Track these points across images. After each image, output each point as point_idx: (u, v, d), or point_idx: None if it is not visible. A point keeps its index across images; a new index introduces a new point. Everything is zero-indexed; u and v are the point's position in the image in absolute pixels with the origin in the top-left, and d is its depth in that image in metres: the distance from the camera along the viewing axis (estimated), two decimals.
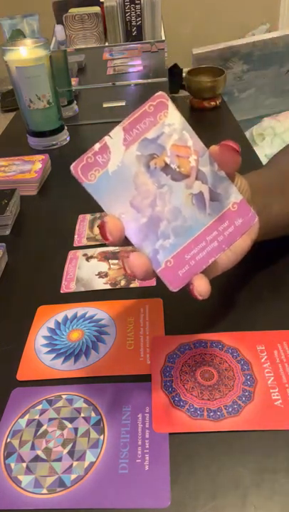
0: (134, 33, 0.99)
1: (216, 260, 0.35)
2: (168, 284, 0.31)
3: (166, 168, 0.30)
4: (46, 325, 0.47)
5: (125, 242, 0.31)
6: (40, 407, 0.38)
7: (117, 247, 0.57)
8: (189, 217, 0.31)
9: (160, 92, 0.30)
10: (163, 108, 0.30)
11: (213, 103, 0.98)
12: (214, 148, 0.32)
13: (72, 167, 0.30)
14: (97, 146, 0.30)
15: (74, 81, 1.08)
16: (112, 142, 0.30)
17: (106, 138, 0.30)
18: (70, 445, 0.35)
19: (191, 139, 0.31)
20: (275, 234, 0.48)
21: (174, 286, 0.31)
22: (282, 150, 0.55)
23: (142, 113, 0.30)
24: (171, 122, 0.30)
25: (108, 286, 0.51)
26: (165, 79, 0.97)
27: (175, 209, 0.31)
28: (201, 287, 0.32)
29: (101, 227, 0.30)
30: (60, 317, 0.48)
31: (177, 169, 0.31)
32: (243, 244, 0.39)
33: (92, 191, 0.30)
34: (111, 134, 0.30)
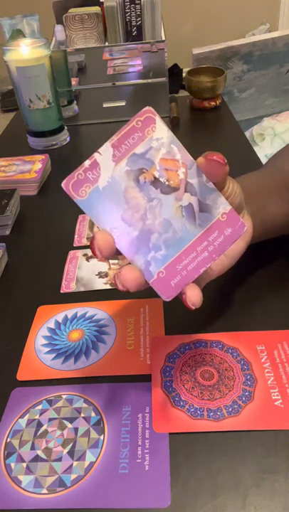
0: (134, 33, 0.99)
1: (211, 266, 0.35)
2: (160, 294, 0.32)
3: (155, 181, 0.31)
4: (46, 325, 0.47)
5: (116, 254, 0.32)
6: (40, 407, 0.39)
7: None
8: (180, 228, 0.32)
9: (147, 107, 0.31)
10: (151, 123, 0.31)
11: (213, 103, 0.98)
12: (201, 160, 0.32)
13: (63, 184, 0.31)
14: (87, 163, 0.30)
15: (74, 81, 1.08)
16: (101, 158, 0.30)
17: (95, 154, 0.30)
18: (70, 445, 0.35)
19: (179, 152, 0.31)
20: (272, 234, 0.48)
21: (166, 296, 0.32)
22: (280, 151, 0.55)
23: (130, 128, 0.30)
24: (159, 136, 0.31)
25: (108, 286, 0.51)
26: (165, 79, 0.97)
27: (165, 221, 0.31)
28: (194, 297, 0.32)
29: (91, 243, 0.31)
30: (60, 317, 0.48)
31: (166, 182, 0.31)
32: (236, 248, 0.40)
33: (84, 207, 0.31)
34: (100, 150, 0.30)
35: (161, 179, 0.31)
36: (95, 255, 0.31)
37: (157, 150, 0.31)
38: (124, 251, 0.31)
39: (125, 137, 0.30)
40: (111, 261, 0.55)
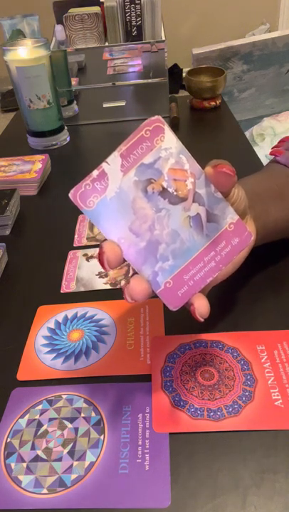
0: (134, 33, 0.99)
1: None
2: (167, 304, 0.32)
3: (163, 192, 0.31)
4: (46, 325, 0.47)
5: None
6: (40, 407, 0.39)
7: None
8: (187, 239, 0.32)
9: (156, 117, 0.30)
10: (160, 132, 0.30)
11: (213, 103, 0.98)
12: (209, 170, 0.32)
13: (70, 194, 0.30)
14: (95, 173, 0.30)
15: (74, 81, 1.08)
16: (109, 168, 0.30)
17: (103, 164, 0.30)
18: (71, 445, 0.35)
19: (188, 162, 0.31)
20: (274, 237, 0.48)
21: (173, 306, 0.32)
22: None
23: (139, 138, 0.30)
24: (167, 146, 0.30)
25: (108, 286, 0.51)
26: (165, 79, 0.97)
27: (173, 232, 0.31)
28: (202, 308, 0.32)
29: (100, 255, 0.30)
30: (60, 317, 0.48)
31: (174, 193, 0.31)
32: (240, 255, 0.40)
33: (92, 217, 0.30)
34: (108, 160, 0.30)
35: (170, 189, 0.31)
36: (103, 267, 0.31)
37: (166, 160, 0.30)
38: (131, 261, 0.31)
39: (134, 147, 0.30)
40: None
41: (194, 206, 0.31)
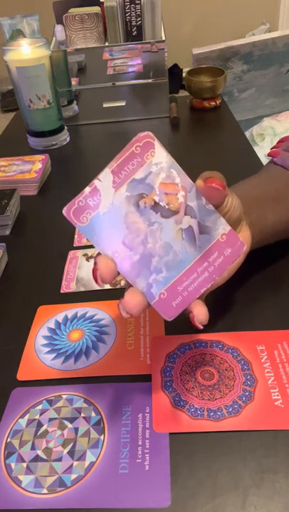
0: (134, 33, 0.99)
1: None
2: (162, 314, 0.32)
3: (155, 206, 0.31)
4: (46, 325, 0.47)
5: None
6: (40, 407, 0.39)
7: None
8: (180, 251, 0.32)
9: (146, 132, 0.31)
10: (150, 148, 0.31)
11: (213, 103, 0.98)
12: (200, 183, 0.32)
13: (64, 211, 0.31)
14: (87, 190, 0.31)
15: (74, 81, 1.08)
16: (101, 185, 0.31)
17: (95, 181, 0.31)
18: (71, 445, 0.35)
19: (179, 176, 0.32)
20: (272, 240, 0.48)
21: (168, 316, 0.32)
22: None
23: (130, 155, 0.31)
24: (158, 161, 0.31)
25: (108, 286, 0.51)
26: (165, 79, 0.97)
27: (166, 245, 0.32)
28: (201, 315, 0.33)
29: (93, 271, 0.31)
30: (60, 317, 0.48)
31: (166, 206, 0.32)
32: (233, 262, 0.39)
33: (85, 233, 0.31)
34: (100, 177, 0.31)
35: (161, 203, 0.31)
36: (97, 283, 0.31)
37: (157, 175, 0.31)
38: (125, 274, 0.32)
39: (124, 163, 0.31)
40: None
41: (186, 219, 0.32)
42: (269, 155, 0.53)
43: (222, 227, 0.33)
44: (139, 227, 0.31)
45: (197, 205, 0.32)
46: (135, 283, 0.32)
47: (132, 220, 0.31)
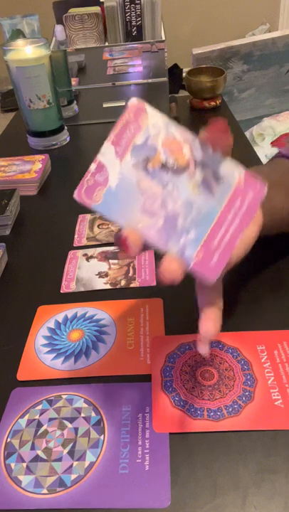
0: (134, 33, 0.99)
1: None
2: (204, 277, 0.31)
3: (164, 166, 0.31)
4: (46, 325, 0.47)
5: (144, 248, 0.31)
6: (40, 407, 0.38)
7: (117, 248, 0.57)
8: (202, 205, 0.31)
9: (133, 99, 0.31)
10: (141, 112, 0.31)
11: (213, 103, 0.98)
12: (203, 133, 0.32)
13: (75, 195, 0.30)
14: (92, 167, 0.30)
15: (74, 81, 1.08)
16: (105, 159, 0.30)
17: (98, 156, 0.30)
18: (70, 445, 0.35)
19: (178, 132, 0.31)
20: (280, 228, 0.48)
21: (211, 278, 0.31)
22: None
23: (125, 123, 0.31)
24: (154, 122, 0.31)
25: (108, 286, 0.51)
26: (165, 79, 0.97)
27: (186, 202, 0.31)
28: (208, 330, 0.33)
29: (123, 242, 0.30)
30: (60, 317, 0.48)
31: (175, 164, 0.31)
32: (249, 232, 0.38)
33: (102, 210, 0.30)
34: (101, 151, 0.30)
35: (169, 162, 0.31)
36: (128, 252, 0.30)
37: (156, 135, 0.31)
38: (155, 243, 0.30)
39: (122, 132, 0.30)
40: (111, 261, 0.55)
41: (198, 172, 0.31)
42: (273, 145, 0.53)
43: (236, 172, 0.32)
44: (155, 191, 0.31)
45: (206, 156, 0.31)
46: (168, 250, 0.30)
47: (145, 185, 0.30)
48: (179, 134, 0.31)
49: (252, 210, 0.32)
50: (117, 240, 0.30)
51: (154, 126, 0.31)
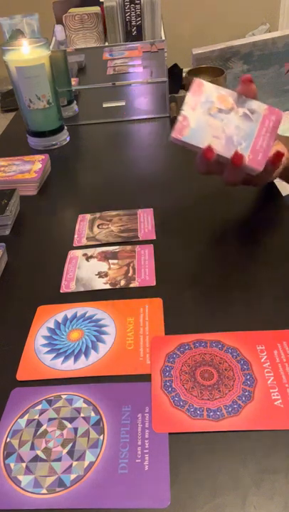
0: (134, 33, 0.99)
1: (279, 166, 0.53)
2: (255, 167, 0.50)
3: (220, 110, 0.52)
4: (46, 325, 0.47)
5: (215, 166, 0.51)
6: (39, 407, 0.38)
7: (117, 247, 0.57)
8: (246, 127, 0.51)
9: (196, 79, 0.53)
10: (201, 85, 0.53)
11: None
12: (238, 88, 0.52)
13: (173, 134, 0.50)
14: (180, 118, 0.51)
15: (74, 81, 1.08)
16: (186, 112, 0.51)
17: (182, 112, 0.51)
18: (70, 445, 0.35)
19: (224, 91, 0.53)
20: None
21: (259, 166, 0.50)
22: None
23: (193, 92, 0.52)
24: (208, 88, 0.53)
25: (108, 286, 0.51)
26: (165, 79, 0.97)
27: (236, 127, 0.51)
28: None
29: (206, 152, 0.49)
30: (60, 317, 0.48)
31: (225, 108, 0.52)
32: (280, 148, 0.56)
33: (190, 140, 0.50)
34: (183, 108, 0.52)
35: (222, 107, 0.52)
36: (208, 159, 0.49)
37: (212, 94, 0.52)
38: (223, 154, 0.50)
39: (193, 96, 0.52)
40: (111, 261, 0.55)
41: (240, 109, 0.52)
42: None
43: (262, 106, 0.52)
44: (217, 124, 0.51)
45: (242, 100, 0.52)
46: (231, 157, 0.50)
47: (210, 122, 0.51)
48: (224, 91, 0.52)
49: (276, 127, 0.51)
50: (201, 157, 0.50)
51: (210, 90, 0.52)
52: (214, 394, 0.38)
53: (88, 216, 0.64)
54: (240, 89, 0.52)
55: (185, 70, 1.13)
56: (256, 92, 0.52)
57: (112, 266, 0.54)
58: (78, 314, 0.48)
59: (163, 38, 0.98)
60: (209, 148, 0.49)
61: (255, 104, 0.52)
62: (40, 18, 0.90)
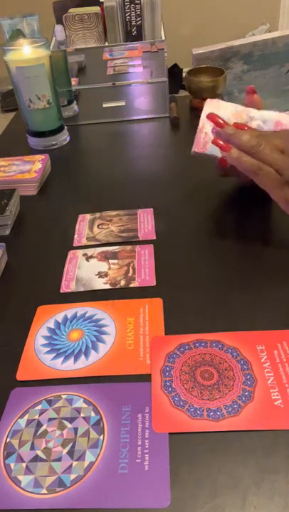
0: (134, 33, 0.99)
1: None
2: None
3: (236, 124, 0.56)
4: (46, 325, 0.47)
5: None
6: (39, 407, 0.38)
7: (117, 247, 0.57)
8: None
9: (208, 99, 0.60)
10: (217, 103, 0.59)
11: None
12: (245, 99, 0.60)
13: (195, 149, 0.58)
14: (201, 134, 0.58)
15: (74, 81, 1.08)
16: (207, 130, 0.58)
17: (204, 130, 0.58)
18: (70, 445, 0.35)
19: (239, 107, 0.59)
20: None
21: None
22: None
23: (209, 110, 0.57)
24: (224, 107, 0.59)
25: (108, 286, 0.51)
26: (165, 79, 0.97)
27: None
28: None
29: (222, 161, 0.54)
30: (60, 317, 0.48)
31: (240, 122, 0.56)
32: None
33: (210, 153, 0.57)
34: (205, 127, 0.58)
35: (237, 121, 0.56)
36: (224, 166, 0.54)
37: (226, 111, 0.58)
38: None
39: (210, 114, 0.56)
40: (111, 261, 0.55)
41: (253, 122, 0.57)
42: None
43: (272, 113, 0.58)
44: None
45: (252, 113, 0.58)
46: None
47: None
48: (239, 108, 0.58)
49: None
50: (218, 164, 0.57)
51: (224, 109, 0.58)
52: (214, 394, 0.38)
53: (88, 216, 0.64)
54: (247, 100, 0.58)
55: (185, 70, 1.13)
56: (257, 100, 0.59)
57: (112, 266, 0.54)
58: (78, 314, 0.48)
59: (163, 38, 0.98)
60: (224, 158, 0.54)
61: (267, 115, 0.58)
62: (40, 18, 0.90)
